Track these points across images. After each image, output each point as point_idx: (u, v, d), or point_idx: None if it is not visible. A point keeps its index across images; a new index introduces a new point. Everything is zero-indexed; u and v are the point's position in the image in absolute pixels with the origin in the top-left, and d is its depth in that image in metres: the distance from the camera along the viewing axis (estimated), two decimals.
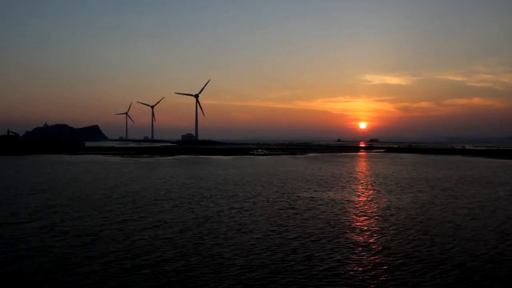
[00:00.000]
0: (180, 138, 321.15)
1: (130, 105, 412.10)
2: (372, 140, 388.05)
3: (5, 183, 36.16)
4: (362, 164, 71.03)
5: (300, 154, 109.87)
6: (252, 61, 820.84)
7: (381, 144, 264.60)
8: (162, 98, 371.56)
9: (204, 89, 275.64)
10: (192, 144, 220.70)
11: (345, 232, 18.01)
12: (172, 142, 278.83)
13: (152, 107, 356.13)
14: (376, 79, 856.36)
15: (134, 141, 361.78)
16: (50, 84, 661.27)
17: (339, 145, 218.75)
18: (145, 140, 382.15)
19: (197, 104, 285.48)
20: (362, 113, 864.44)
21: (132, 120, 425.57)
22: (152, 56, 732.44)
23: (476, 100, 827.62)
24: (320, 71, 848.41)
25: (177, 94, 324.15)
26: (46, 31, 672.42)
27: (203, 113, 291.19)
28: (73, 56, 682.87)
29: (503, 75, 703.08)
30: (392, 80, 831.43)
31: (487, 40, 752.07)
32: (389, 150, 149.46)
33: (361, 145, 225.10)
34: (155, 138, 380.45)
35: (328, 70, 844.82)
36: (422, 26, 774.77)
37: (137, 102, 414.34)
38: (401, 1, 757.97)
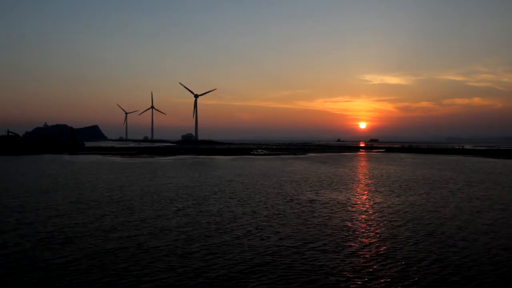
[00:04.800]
0: (180, 138, 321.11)
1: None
2: (372, 140, 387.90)
3: (3, 184, 35.92)
4: (362, 164, 70.81)
5: (301, 154, 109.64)
6: (252, 61, 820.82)
7: (381, 144, 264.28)
8: (151, 93, 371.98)
9: (204, 88, 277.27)
10: (192, 144, 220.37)
11: (351, 237, 17.79)
12: (172, 142, 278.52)
13: (152, 107, 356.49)
14: (376, 79, 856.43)
15: (134, 141, 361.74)
16: (50, 84, 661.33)
17: (339, 145, 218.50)
18: (145, 140, 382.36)
19: (196, 104, 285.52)
20: (362, 113, 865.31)
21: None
22: (152, 56, 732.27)
23: (476, 100, 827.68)
24: (320, 71, 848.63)
25: (176, 96, 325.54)
26: (46, 31, 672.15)
27: (195, 115, 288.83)
28: (73, 56, 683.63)
29: (503, 75, 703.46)
30: (392, 80, 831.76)
31: (487, 40, 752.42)
32: (389, 150, 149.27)
33: (361, 145, 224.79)
34: (155, 138, 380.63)
35: (328, 70, 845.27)
36: (422, 26, 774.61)
37: (139, 114, 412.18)
38: (401, 1, 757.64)
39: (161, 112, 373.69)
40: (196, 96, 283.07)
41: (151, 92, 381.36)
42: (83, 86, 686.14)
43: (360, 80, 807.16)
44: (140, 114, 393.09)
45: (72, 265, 13.34)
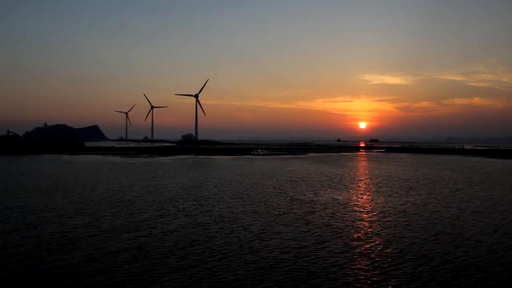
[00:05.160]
0: (180, 138, 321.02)
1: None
2: (372, 140, 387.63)
3: (3, 184, 35.76)
4: (363, 164, 70.65)
5: (301, 154, 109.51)
6: (252, 61, 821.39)
7: (381, 144, 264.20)
8: (145, 95, 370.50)
9: (204, 88, 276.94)
10: (192, 144, 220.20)
11: (353, 239, 17.64)
12: (172, 142, 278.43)
13: (152, 107, 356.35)
14: (376, 79, 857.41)
15: (134, 141, 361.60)
16: (50, 84, 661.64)
17: (339, 145, 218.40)
18: (145, 140, 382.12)
19: (197, 104, 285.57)
20: (362, 113, 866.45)
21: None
22: (152, 56, 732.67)
23: (476, 100, 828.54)
24: (320, 71, 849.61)
25: (175, 96, 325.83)
26: (46, 31, 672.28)
27: (204, 113, 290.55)
28: (73, 56, 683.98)
29: (503, 75, 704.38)
30: (392, 80, 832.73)
31: (487, 40, 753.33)
32: (389, 150, 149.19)
33: (361, 145, 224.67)
34: (155, 138, 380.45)
35: (328, 70, 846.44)
36: (422, 26, 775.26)
37: (145, 119, 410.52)
38: (401, 1, 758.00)
39: (163, 107, 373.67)
40: (196, 96, 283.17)
41: (144, 94, 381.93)
42: (83, 86, 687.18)
43: (360, 80, 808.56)
44: (145, 119, 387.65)
45: (72, 267, 13.18)
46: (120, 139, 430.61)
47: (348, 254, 14.85)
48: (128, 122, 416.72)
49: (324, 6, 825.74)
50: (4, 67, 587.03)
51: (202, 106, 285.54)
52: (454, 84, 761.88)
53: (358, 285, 11.92)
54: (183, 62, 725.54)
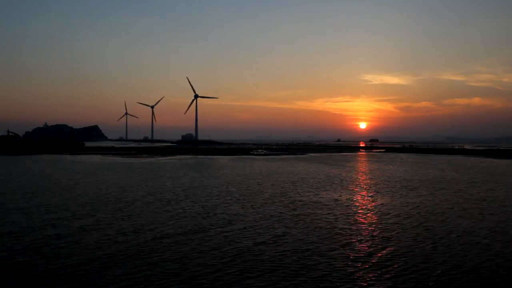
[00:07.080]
0: (180, 138, 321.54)
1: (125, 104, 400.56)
2: (372, 140, 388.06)
3: (2, 185, 35.53)
4: (363, 164, 70.42)
5: (300, 154, 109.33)
6: (252, 61, 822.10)
7: (381, 144, 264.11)
8: (162, 98, 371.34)
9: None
10: (192, 144, 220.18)
11: (356, 240, 17.40)
12: (172, 142, 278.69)
13: (152, 107, 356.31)
14: (376, 79, 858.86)
15: (134, 141, 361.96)
16: (50, 84, 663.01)
17: (339, 145, 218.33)
18: (145, 140, 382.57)
19: (197, 104, 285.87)
20: (362, 113, 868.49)
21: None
22: (152, 56, 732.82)
23: (476, 100, 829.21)
24: (320, 71, 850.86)
25: (175, 96, 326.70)
26: (46, 31, 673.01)
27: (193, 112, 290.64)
28: (73, 56, 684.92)
29: (503, 75, 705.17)
30: (392, 80, 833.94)
31: (487, 40, 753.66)
32: (389, 150, 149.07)
33: (361, 145, 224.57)
34: (155, 138, 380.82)
35: (328, 70, 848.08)
36: (422, 26, 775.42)
37: (137, 102, 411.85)
38: (401, 1, 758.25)
39: (153, 115, 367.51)
40: (196, 96, 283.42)
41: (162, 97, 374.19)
42: (83, 86, 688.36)
43: (360, 80, 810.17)
44: (138, 102, 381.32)
45: (69, 270, 12.94)
46: (120, 139, 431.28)
47: (350, 256, 14.59)
48: (126, 120, 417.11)
49: (324, 6, 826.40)
50: (5, 67, 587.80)
51: (198, 107, 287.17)
52: (454, 84, 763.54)
53: (361, 286, 11.71)
54: (183, 62, 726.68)
